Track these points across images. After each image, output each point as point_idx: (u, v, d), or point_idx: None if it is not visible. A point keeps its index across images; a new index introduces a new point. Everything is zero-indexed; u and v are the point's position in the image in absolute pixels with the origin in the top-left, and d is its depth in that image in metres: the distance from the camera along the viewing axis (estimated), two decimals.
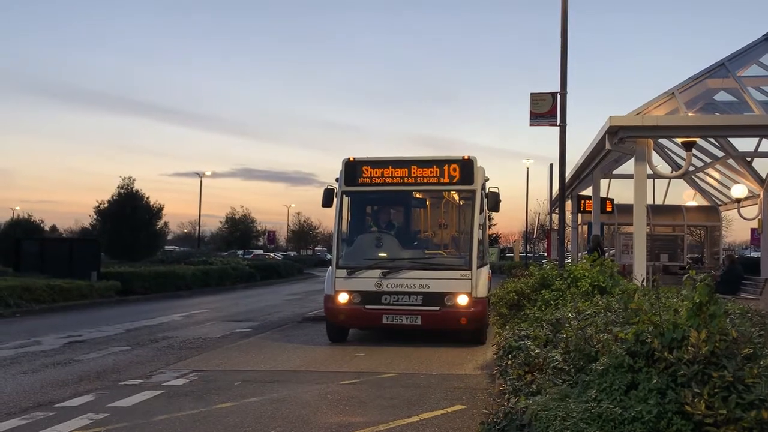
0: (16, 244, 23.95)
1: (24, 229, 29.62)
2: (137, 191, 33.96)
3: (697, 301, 3.75)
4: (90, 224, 36.30)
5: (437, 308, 10.00)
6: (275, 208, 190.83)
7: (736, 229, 50.67)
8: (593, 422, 3.45)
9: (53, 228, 54.98)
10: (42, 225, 33.84)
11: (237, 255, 48.49)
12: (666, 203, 24.12)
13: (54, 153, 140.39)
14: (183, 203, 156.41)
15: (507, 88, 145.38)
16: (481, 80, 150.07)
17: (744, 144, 15.64)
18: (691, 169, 18.03)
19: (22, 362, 9.16)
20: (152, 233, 34.42)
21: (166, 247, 48.27)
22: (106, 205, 33.60)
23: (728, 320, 3.98)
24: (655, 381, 3.54)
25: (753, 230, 24.75)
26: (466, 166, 10.54)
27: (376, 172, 10.75)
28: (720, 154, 16.45)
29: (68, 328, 13.14)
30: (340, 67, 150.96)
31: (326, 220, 78.38)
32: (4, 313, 15.36)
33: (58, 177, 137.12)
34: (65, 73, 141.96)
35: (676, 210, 23.28)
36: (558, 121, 12.20)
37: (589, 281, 8.08)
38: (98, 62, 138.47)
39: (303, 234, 79.95)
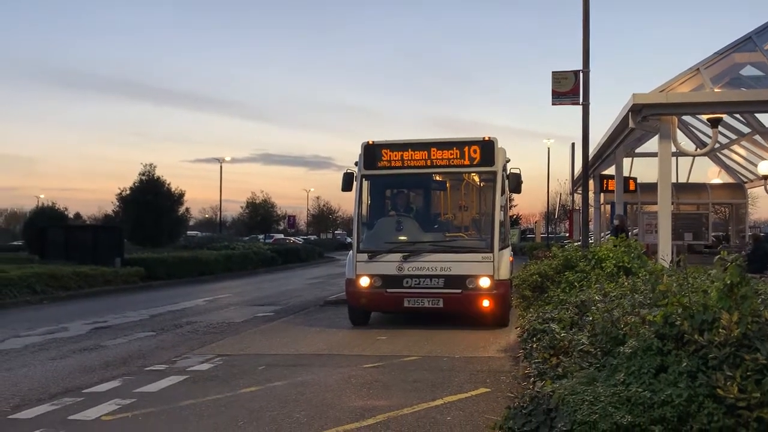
0: (42, 232, 24.33)
1: (48, 217, 30.00)
2: (159, 178, 34.17)
3: (728, 282, 3.66)
4: (113, 211, 36.62)
5: (459, 291, 9.96)
6: (295, 192, 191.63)
7: (762, 206, 49.95)
8: (622, 406, 3.39)
9: (77, 215, 55.70)
10: (66, 213, 34.21)
11: (258, 239, 48.76)
12: (690, 181, 23.76)
13: (76, 141, 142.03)
14: (204, 189, 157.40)
15: (527, 68, 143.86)
16: (501, 60, 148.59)
17: None
18: (717, 146, 17.71)
19: (50, 348, 9.31)
20: (174, 219, 34.67)
21: (188, 232, 48.63)
22: (128, 192, 33.85)
23: (760, 301, 3.89)
24: (685, 364, 3.47)
25: None
26: (487, 148, 10.42)
27: (395, 155, 10.67)
28: (746, 130, 16.14)
29: (94, 314, 13.33)
30: (357, 51, 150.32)
31: (345, 203, 78.58)
32: (32, 300, 15.64)
33: (81, 165, 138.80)
34: (86, 61, 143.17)
35: (701, 188, 22.94)
36: (581, 100, 12.00)
37: (614, 262, 7.97)
38: (119, 51, 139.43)
39: (323, 218, 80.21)
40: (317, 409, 5.72)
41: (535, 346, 5.35)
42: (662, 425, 3.30)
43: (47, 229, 24.72)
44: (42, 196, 62.16)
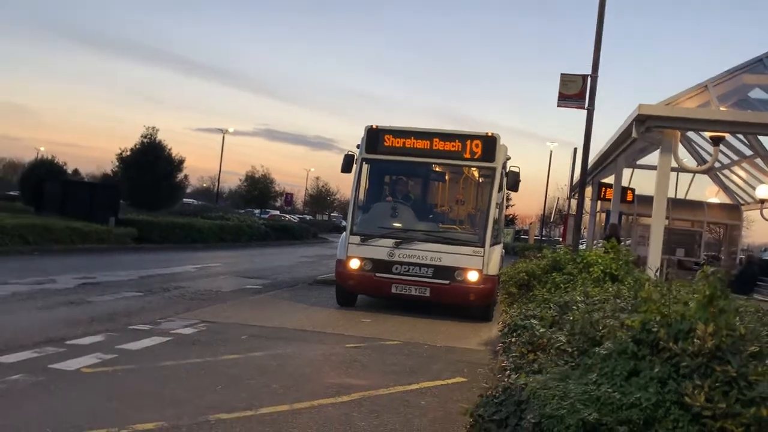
0: (39, 185, 24.30)
1: (47, 170, 29.86)
2: (160, 142, 34.12)
3: (707, 293, 3.73)
4: (112, 171, 36.57)
5: (447, 282, 10.03)
6: (294, 170, 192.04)
7: (757, 230, 50.09)
8: (591, 404, 3.46)
9: (75, 172, 55.44)
10: (65, 167, 34.06)
11: (254, 214, 48.75)
12: (688, 198, 23.82)
13: (81, 97, 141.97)
14: (204, 158, 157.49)
15: (535, 70, 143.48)
16: (510, 60, 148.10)
17: None
18: (717, 165, 17.77)
19: (37, 298, 9.37)
20: (172, 185, 34.68)
21: (184, 199, 48.67)
22: (128, 153, 33.79)
23: (737, 318, 3.95)
24: (657, 370, 3.53)
25: None
26: (489, 143, 10.45)
27: (397, 142, 10.70)
28: (748, 152, 16.18)
29: (84, 269, 13.39)
30: (368, 37, 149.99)
31: (344, 186, 78.49)
32: (24, 250, 15.69)
33: (84, 121, 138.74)
34: (99, 20, 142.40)
35: (698, 205, 22.99)
36: (586, 104, 12.00)
37: (602, 268, 8.02)
38: (132, 12, 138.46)
39: (320, 199, 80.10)
40: (295, 381, 5.80)
41: (514, 340, 5.41)
42: (628, 426, 3.37)
43: (45, 181, 24.71)
44: (42, 148, 61.86)
